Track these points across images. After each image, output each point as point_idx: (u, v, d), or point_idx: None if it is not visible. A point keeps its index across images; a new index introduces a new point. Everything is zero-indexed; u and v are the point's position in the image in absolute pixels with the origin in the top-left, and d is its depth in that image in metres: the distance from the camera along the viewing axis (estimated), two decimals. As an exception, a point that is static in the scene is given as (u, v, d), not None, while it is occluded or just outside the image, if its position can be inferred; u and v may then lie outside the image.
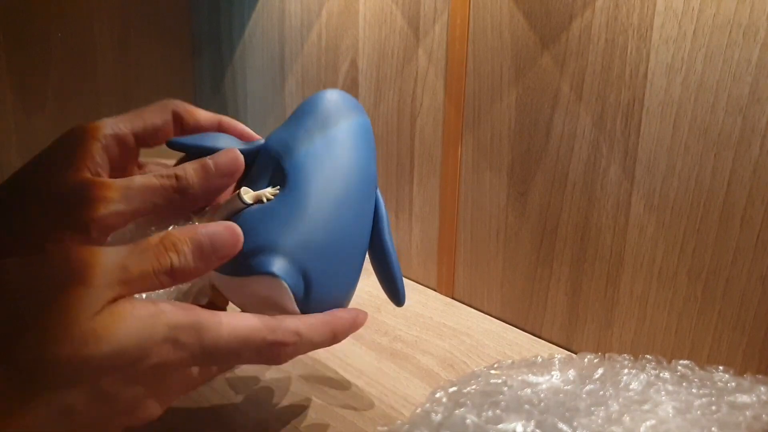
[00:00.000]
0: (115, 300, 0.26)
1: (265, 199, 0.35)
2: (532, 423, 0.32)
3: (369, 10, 0.63)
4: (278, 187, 0.35)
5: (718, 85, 0.40)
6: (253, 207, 0.34)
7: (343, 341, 0.52)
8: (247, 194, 0.35)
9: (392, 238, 0.40)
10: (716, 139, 0.41)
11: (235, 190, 0.36)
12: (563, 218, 0.50)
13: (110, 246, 0.28)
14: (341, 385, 0.46)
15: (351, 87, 0.67)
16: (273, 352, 0.31)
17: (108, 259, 0.27)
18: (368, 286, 0.64)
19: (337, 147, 0.37)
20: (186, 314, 0.28)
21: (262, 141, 0.38)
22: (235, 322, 0.30)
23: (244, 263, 0.32)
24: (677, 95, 0.42)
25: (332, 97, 0.39)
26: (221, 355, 0.29)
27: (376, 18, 0.62)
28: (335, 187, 0.35)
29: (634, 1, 0.43)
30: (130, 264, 0.27)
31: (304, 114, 0.38)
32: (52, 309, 0.25)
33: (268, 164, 0.37)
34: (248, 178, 0.37)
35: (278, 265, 0.32)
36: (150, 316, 0.27)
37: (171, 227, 0.34)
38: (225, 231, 0.31)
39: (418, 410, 0.36)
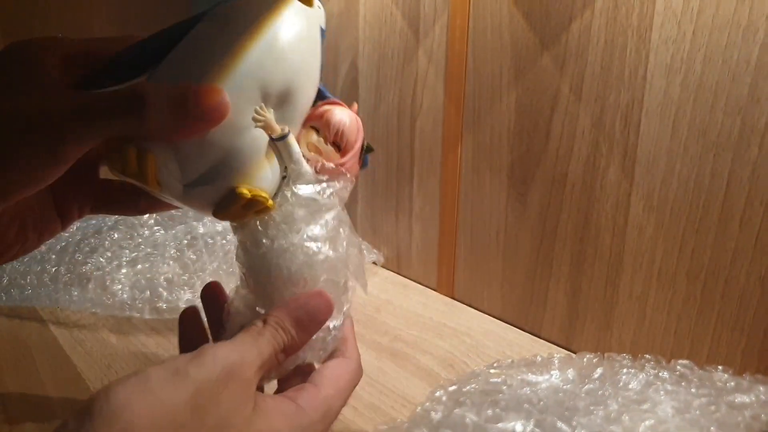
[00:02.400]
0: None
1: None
2: (532, 422, 0.32)
3: (369, 11, 0.63)
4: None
5: (717, 85, 0.40)
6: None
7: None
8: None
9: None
10: (715, 140, 0.41)
11: None
12: (563, 218, 0.50)
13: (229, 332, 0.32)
14: (341, 384, 0.46)
15: (351, 88, 0.67)
16: None
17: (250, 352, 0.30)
18: (368, 285, 0.64)
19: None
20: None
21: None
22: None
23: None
24: (676, 96, 0.42)
25: None
26: None
27: (376, 19, 0.62)
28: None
29: (634, 1, 0.43)
30: (264, 350, 0.30)
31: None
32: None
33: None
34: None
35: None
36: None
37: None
38: (319, 299, 0.33)
39: (418, 409, 0.36)
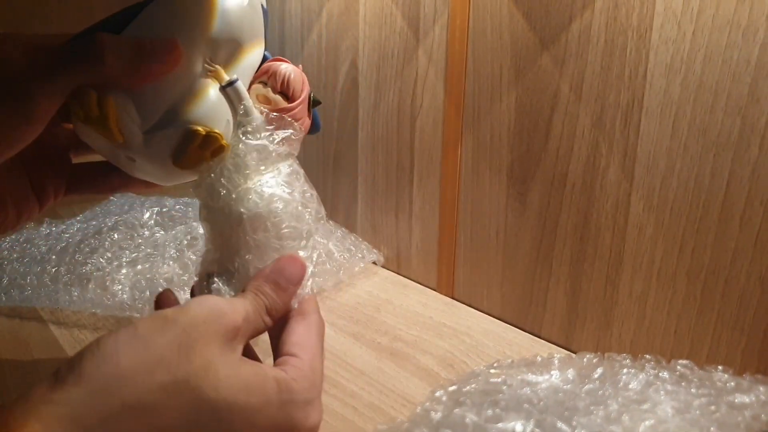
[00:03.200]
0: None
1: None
2: (532, 422, 0.32)
3: (369, 11, 0.63)
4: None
5: (717, 85, 0.40)
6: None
7: (343, 341, 0.53)
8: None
9: None
10: (715, 140, 0.41)
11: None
12: (563, 218, 0.50)
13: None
14: (341, 384, 0.46)
15: (351, 87, 0.67)
16: None
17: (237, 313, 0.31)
18: (368, 285, 0.64)
19: None
20: None
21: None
22: None
23: None
24: (676, 96, 0.42)
25: None
26: None
27: (376, 19, 0.62)
28: None
29: (634, 1, 0.43)
30: (248, 307, 0.32)
31: None
32: None
33: None
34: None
35: None
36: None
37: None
38: (293, 264, 0.35)
39: (418, 409, 0.36)
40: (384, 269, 0.67)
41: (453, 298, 0.61)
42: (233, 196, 0.35)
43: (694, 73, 0.41)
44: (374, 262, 0.67)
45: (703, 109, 0.41)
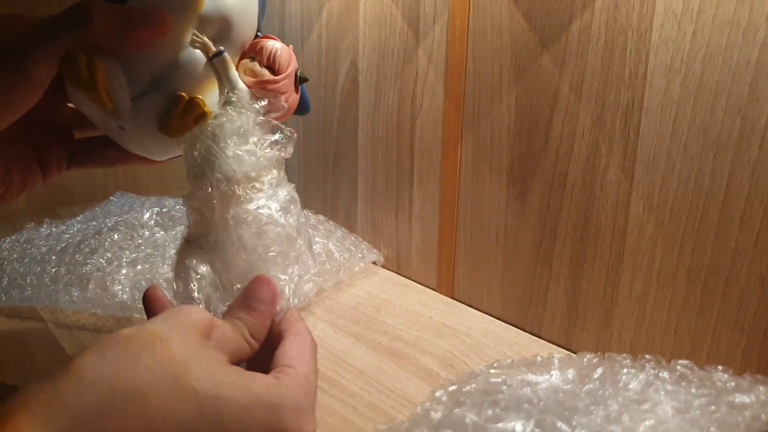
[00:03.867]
0: None
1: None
2: (532, 422, 0.32)
3: (369, 11, 0.63)
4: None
5: (718, 85, 0.40)
6: None
7: (343, 341, 0.53)
8: None
9: None
10: (715, 140, 0.41)
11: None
12: (563, 218, 0.50)
13: None
14: (341, 384, 0.46)
15: (351, 87, 0.67)
16: None
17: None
18: (368, 285, 0.64)
19: None
20: None
21: None
22: None
23: None
24: (676, 96, 0.42)
25: None
26: None
27: (376, 19, 0.62)
28: None
29: (634, 1, 0.43)
30: (226, 328, 0.33)
31: None
32: None
33: None
34: None
35: None
36: None
37: None
38: (265, 287, 0.36)
39: (418, 409, 0.36)
40: (384, 269, 0.67)
41: (453, 298, 0.61)
42: (216, 163, 0.37)
43: (694, 73, 0.41)
44: (374, 262, 0.67)
45: (703, 109, 0.41)
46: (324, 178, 0.74)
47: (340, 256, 0.64)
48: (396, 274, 0.66)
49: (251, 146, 0.38)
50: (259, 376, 0.30)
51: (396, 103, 0.62)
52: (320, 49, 0.69)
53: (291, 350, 0.34)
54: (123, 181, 0.83)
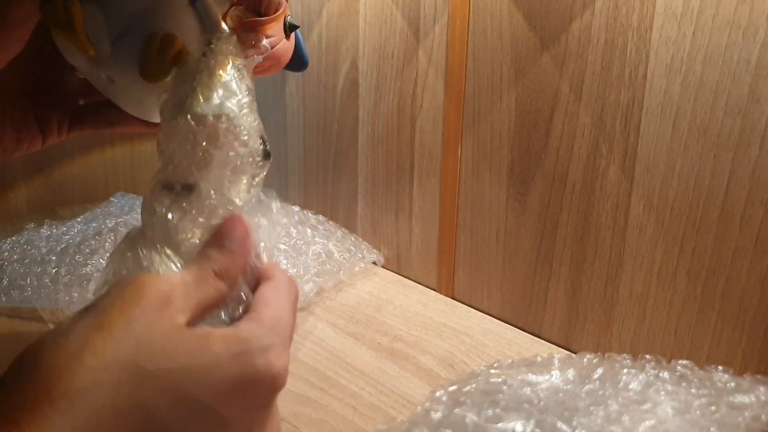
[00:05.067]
0: None
1: None
2: (532, 422, 0.32)
3: (369, 11, 0.63)
4: None
5: (718, 85, 0.40)
6: None
7: (343, 341, 0.53)
8: None
9: None
10: (715, 140, 0.41)
11: None
12: (563, 218, 0.50)
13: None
14: (341, 384, 0.46)
15: (351, 87, 0.67)
16: None
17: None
18: (368, 285, 0.64)
19: None
20: None
21: None
22: None
23: None
24: (677, 96, 0.42)
25: None
26: None
27: (376, 19, 0.62)
28: None
29: (634, 2, 0.43)
30: (188, 280, 0.30)
31: None
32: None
33: None
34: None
35: None
36: None
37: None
38: (230, 224, 0.33)
39: (418, 409, 0.36)
40: (384, 269, 0.67)
41: (453, 298, 0.61)
42: (191, 101, 0.35)
43: (695, 73, 0.41)
44: (374, 262, 0.67)
45: (704, 109, 0.41)
46: (324, 178, 0.74)
47: (340, 256, 0.64)
48: (396, 274, 0.66)
49: (232, 89, 0.36)
50: (216, 332, 0.29)
51: (396, 103, 0.62)
52: (320, 49, 0.69)
53: (261, 295, 0.32)
54: (123, 181, 0.83)
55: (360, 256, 0.66)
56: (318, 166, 0.74)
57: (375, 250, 0.68)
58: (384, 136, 0.64)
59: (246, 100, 0.36)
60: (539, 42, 0.49)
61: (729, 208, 0.41)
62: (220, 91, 0.35)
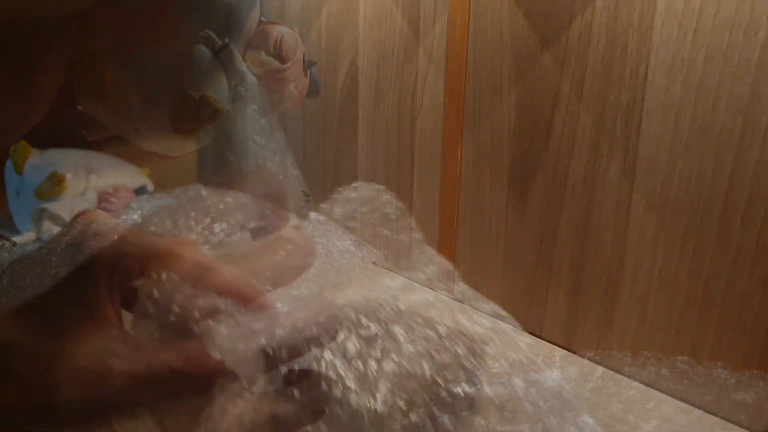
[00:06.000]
0: None
1: None
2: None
3: (369, 11, 0.63)
4: None
5: (719, 85, 0.40)
6: None
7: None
8: None
9: None
10: (716, 140, 0.41)
11: None
12: (563, 218, 0.50)
13: None
14: (342, 385, 0.45)
15: (351, 87, 0.67)
16: None
17: None
18: (368, 285, 0.64)
19: None
20: None
21: None
22: None
23: None
24: (677, 95, 0.42)
25: None
26: None
27: (376, 18, 0.62)
28: None
29: (635, 1, 0.43)
30: None
31: None
32: None
33: None
34: None
35: None
36: None
37: None
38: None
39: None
40: (384, 269, 0.67)
41: (453, 298, 0.61)
42: (231, 158, 0.36)
43: (696, 72, 0.41)
44: (374, 262, 0.67)
45: (705, 108, 0.41)
46: (324, 178, 0.74)
47: (339, 256, 0.63)
48: (396, 274, 0.66)
49: (263, 136, 0.37)
50: None
51: (396, 103, 0.62)
52: (320, 48, 0.69)
53: None
54: (122, 181, 0.83)
55: (360, 256, 0.65)
56: (318, 166, 0.74)
57: (375, 250, 0.68)
58: (384, 136, 0.64)
59: (278, 143, 0.38)
60: (540, 41, 0.49)
61: (730, 208, 0.41)
62: (257, 141, 0.37)
